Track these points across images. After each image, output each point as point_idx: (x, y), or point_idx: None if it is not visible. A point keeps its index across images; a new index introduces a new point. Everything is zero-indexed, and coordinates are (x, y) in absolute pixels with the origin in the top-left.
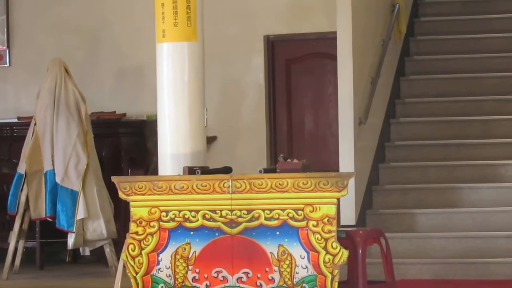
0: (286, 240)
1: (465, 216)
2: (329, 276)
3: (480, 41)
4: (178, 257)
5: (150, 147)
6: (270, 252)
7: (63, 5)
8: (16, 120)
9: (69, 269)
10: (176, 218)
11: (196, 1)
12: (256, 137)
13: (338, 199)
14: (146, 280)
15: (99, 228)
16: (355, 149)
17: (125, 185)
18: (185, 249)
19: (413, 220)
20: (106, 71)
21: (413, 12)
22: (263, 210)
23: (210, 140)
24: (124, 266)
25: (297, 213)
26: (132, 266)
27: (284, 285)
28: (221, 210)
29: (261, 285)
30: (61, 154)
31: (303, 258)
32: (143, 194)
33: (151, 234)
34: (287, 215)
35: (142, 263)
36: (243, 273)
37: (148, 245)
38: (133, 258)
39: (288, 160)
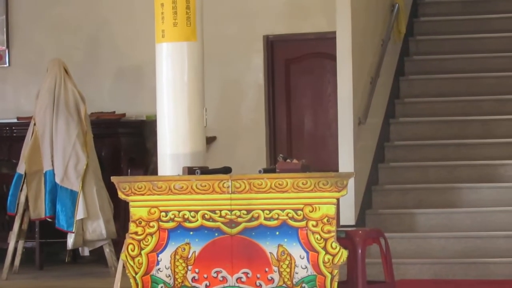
0: (285, 240)
1: (465, 216)
2: (329, 276)
3: (479, 41)
4: (177, 257)
5: (149, 147)
6: (270, 252)
7: (62, 5)
8: (15, 120)
9: (68, 269)
10: (176, 218)
11: (195, 1)
12: (255, 137)
13: (338, 199)
14: (145, 280)
15: (98, 228)
16: (355, 149)
17: (124, 185)
18: (184, 249)
19: (412, 220)
20: (105, 71)
21: (412, 12)
22: (263, 210)
23: (210, 140)
24: (123, 266)
25: (296, 213)
26: (132, 266)
27: (284, 285)
28: (220, 210)
29: (260, 285)
30: (61, 154)
31: (302, 258)
32: (143, 194)
33: (151, 234)
34: (287, 215)
35: (142, 263)
36: (243, 273)
37: (147, 245)
38: (133, 258)
39: (288, 160)
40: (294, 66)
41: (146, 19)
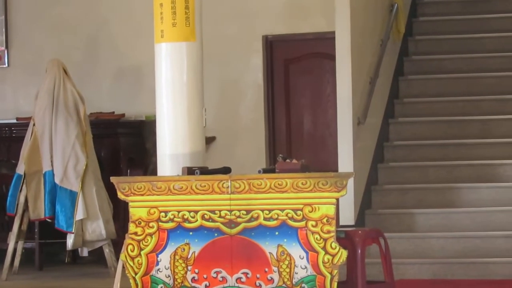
0: (285, 240)
1: (464, 216)
2: (328, 276)
3: (478, 40)
4: (177, 257)
5: (149, 147)
6: (269, 252)
7: (61, 5)
8: (15, 121)
9: (68, 270)
10: (175, 219)
11: (194, 1)
12: (255, 137)
13: (337, 199)
14: (145, 281)
15: (98, 228)
16: (354, 149)
17: (124, 185)
18: (184, 249)
19: (412, 220)
20: (104, 72)
21: (411, 12)
22: (262, 210)
23: (209, 140)
24: (123, 267)
25: (296, 213)
26: (131, 267)
27: (283, 285)
28: (220, 211)
29: (260, 285)
30: (60, 155)
31: (302, 258)
32: (142, 195)
33: (150, 235)
34: (286, 215)
35: (141, 264)
36: (242, 273)
37: (147, 245)
38: (132, 258)
39: (287, 160)
40: (294, 66)
41: (145, 19)
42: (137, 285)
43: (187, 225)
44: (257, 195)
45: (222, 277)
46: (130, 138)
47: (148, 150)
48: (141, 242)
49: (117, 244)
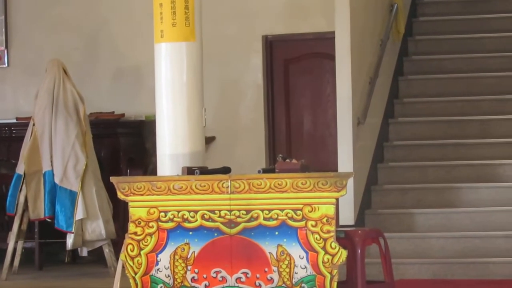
0: (285, 240)
1: (464, 216)
2: (328, 276)
3: (478, 40)
4: (177, 257)
5: (148, 147)
6: (269, 252)
7: (61, 5)
8: (14, 121)
9: (68, 270)
10: (175, 219)
11: (194, 1)
12: (254, 137)
13: (337, 199)
14: (145, 281)
15: (98, 228)
16: (354, 149)
17: (123, 185)
18: (184, 249)
19: (411, 220)
20: (104, 72)
21: (411, 12)
22: (262, 210)
23: (209, 140)
24: (123, 267)
25: (296, 213)
26: (131, 267)
27: (283, 285)
28: (220, 210)
29: (260, 285)
30: (60, 155)
31: (302, 258)
32: (142, 195)
33: (150, 235)
34: (286, 215)
35: (141, 264)
36: (242, 273)
37: (147, 245)
38: (132, 258)
39: (287, 160)
40: (293, 66)
41: (145, 20)
42: (136, 285)
43: (187, 225)
44: (257, 195)
45: (221, 277)
46: (130, 138)
47: (148, 150)
48: (140, 242)
49: (117, 244)
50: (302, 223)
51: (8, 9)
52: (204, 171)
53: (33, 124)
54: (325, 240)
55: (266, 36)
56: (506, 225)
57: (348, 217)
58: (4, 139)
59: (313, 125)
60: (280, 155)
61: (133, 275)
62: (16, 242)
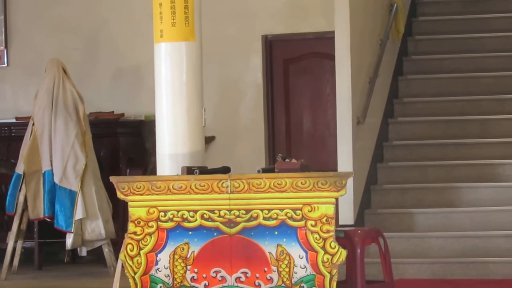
0: (284, 240)
1: (464, 215)
2: (328, 275)
3: (478, 40)
4: (176, 257)
5: (148, 147)
6: (269, 252)
7: (61, 5)
8: (14, 120)
9: (67, 269)
10: (175, 218)
11: (194, 1)
12: (254, 137)
13: (337, 199)
14: (144, 280)
15: (97, 228)
16: (354, 149)
17: (123, 185)
18: (183, 249)
19: (411, 220)
20: (104, 71)
21: (411, 11)
22: (262, 210)
23: (209, 140)
24: (122, 266)
25: (295, 213)
26: (131, 266)
27: (283, 284)
28: (219, 210)
29: (259, 285)
30: (59, 154)
31: (301, 258)
32: (142, 194)
33: (150, 234)
34: (286, 215)
35: (141, 263)
36: (242, 273)
37: (146, 245)
38: (132, 258)
39: (287, 160)
40: (293, 66)
41: (145, 20)
42: (136, 284)
43: (186, 224)
44: (257, 195)
45: (221, 276)
46: (130, 138)
47: (147, 149)
48: (140, 242)
49: (116, 244)
50: (302, 223)
51: (7, 9)
52: (203, 171)
53: (33, 124)
54: (324, 239)
55: (266, 36)
56: (505, 225)
57: (347, 216)
58: (4, 138)
59: (313, 125)
60: (279, 154)
61: (133, 274)
62: (16, 241)
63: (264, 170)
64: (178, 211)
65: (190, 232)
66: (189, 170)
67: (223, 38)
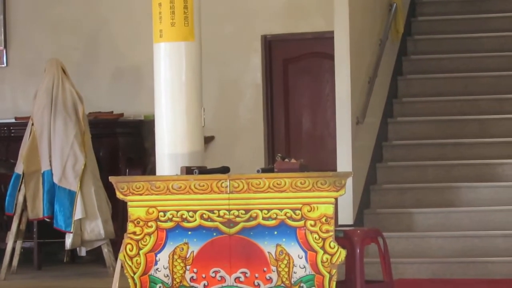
0: (284, 239)
1: (463, 215)
2: (327, 275)
3: (477, 40)
4: (176, 257)
5: (147, 147)
6: (268, 252)
7: (60, 5)
8: (13, 120)
9: (67, 269)
10: (174, 218)
11: (193, 1)
12: (253, 137)
13: (336, 199)
14: (144, 280)
15: (96, 228)
16: (353, 149)
17: (122, 185)
18: (183, 249)
19: (410, 220)
20: (103, 71)
21: (410, 11)
22: (261, 210)
23: (208, 140)
24: (122, 266)
25: (295, 213)
26: (130, 266)
27: (282, 284)
28: (219, 210)
29: (259, 285)
30: (59, 154)
31: (301, 258)
32: (141, 194)
33: (149, 234)
34: (285, 214)
35: (140, 263)
36: (241, 273)
37: (146, 245)
38: (131, 258)
39: (286, 160)
40: (292, 65)
41: (145, 20)
42: (135, 284)
43: (185, 224)
44: (256, 195)
45: (220, 276)
46: (129, 138)
47: (146, 149)
48: (139, 242)
49: (115, 244)
50: (301, 223)
51: (7, 9)
52: (203, 170)
53: (32, 124)
54: (324, 239)
55: (265, 35)
56: (505, 225)
57: (347, 216)
58: (3, 138)
59: (312, 125)
60: (279, 154)
61: (132, 274)
62: (15, 241)
63: (264, 170)
64: (177, 211)
65: (189, 232)
66: (188, 170)
67: (222, 38)
